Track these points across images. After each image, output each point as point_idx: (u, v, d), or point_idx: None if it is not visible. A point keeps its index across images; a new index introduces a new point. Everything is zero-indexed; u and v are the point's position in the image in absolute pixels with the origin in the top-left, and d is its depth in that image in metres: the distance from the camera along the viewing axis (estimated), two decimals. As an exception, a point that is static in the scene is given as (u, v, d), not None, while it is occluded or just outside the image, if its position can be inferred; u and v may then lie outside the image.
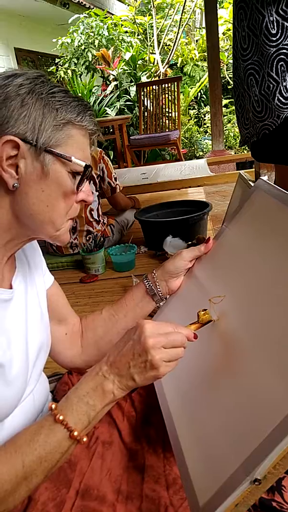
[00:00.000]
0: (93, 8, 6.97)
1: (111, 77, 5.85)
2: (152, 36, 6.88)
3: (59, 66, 6.50)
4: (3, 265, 0.65)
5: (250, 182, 1.60)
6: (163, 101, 5.03)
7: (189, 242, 2.09)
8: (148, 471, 0.70)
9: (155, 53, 6.63)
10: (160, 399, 0.70)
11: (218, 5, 4.72)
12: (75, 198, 0.63)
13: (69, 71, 6.30)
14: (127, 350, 0.59)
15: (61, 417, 0.55)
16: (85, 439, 0.57)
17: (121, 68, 5.82)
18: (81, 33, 6.12)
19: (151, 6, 6.99)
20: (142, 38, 6.98)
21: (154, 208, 2.54)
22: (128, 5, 8.15)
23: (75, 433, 0.55)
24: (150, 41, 6.95)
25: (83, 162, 0.60)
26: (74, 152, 0.59)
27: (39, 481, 0.55)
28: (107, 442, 0.73)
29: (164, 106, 5.03)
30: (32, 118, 0.56)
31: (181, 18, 6.58)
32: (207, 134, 7.05)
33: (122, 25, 6.67)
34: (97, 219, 2.31)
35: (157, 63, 6.47)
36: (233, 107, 7.26)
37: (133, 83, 5.78)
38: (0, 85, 0.56)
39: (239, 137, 1.38)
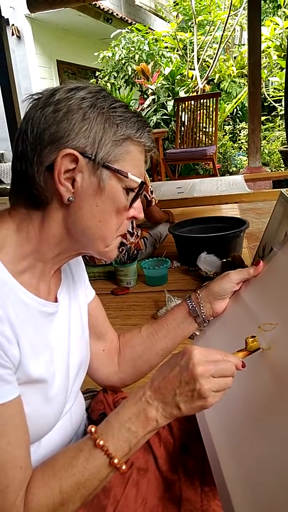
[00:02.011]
0: (135, 23, 7.12)
1: (149, 91, 5.92)
2: (192, 52, 6.93)
3: (99, 79, 6.64)
4: (50, 277, 0.64)
5: (294, 202, 1.55)
6: (200, 116, 5.03)
7: (224, 260, 2.05)
8: (184, 505, 0.66)
9: (193, 69, 6.67)
10: (202, 431, 0.66)
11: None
12: (126, 214, 0.62)
13: (108, 84, 6.42)
14: (173, 376, 0.55)
15: (101, 442, 0.53)
16: (124, 467, 0.54)
17: (160, 83, 5.88)
18: (122, 48, 6.25)
19: (191, 23, 7.07)
20: (181, 54, 7.05)
21: (188, 223, 2.51)
22: (168, 22, 8.28)
23: (115, 461, 0.53)
24: (189, 56, 7.01)
25: (139, 179, 0.59)
26: (130, 169, 0.58)
27: (76, 508, 0.53)
28: (143, 468, 0.70)
29: (200, 121, 5.03)
30: (93, 133, 0.55)
31: (222, 35, 6.61)
32: (241, 150, 6.99)
33: (162, 40, 6.77)
34: (131, 231, 2.30)
35: (196, 78, 6.50)
36: (269, 124, 7.20)
37: (170, 98, 5.82)
38: (63, 98, 0.55)
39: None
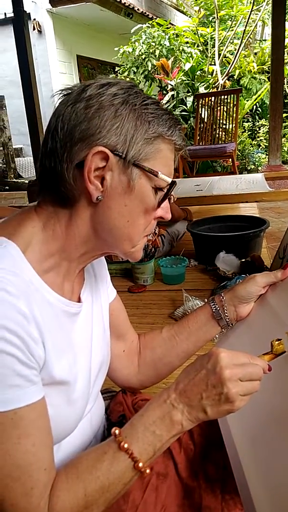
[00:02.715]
0: (155, 18, 7.06)
1: (169, 87, 5.87)
2: (213, 47, 6.85)
3: (118, 74, 6.61)
4: (74, 277, 0.63)
5: None
6: (220, 113, 4.96)
7: (243, 260, 2.01)
8: (205, 513, 0.64)
9: (214, 64, 6.59)
10: (224, 437, 0.65)
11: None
12: (154, 214, 0.60)
13: (127, 80, 6.40)
14: (199, 379, 0.54)
15: (126, 445, 0.52)
16: (148, 470, 0.53)
17: (180, 79, 5.83)
18: (142, 43, 6.21)
19: (213, 18, 6.97)
20: (202, 49, 6.97)
21: (207, 221, 2.48)
22: (190, 16, 8.19)
23: (140, 464, 0.51)
24: (210, 52, 6.92)
25: (169, 179, 0.57)
26: (161, 168, 0.56)
27: None
28: (162, 474, 0.69)
29: (220, 118, 4.97)
30: (125, 130, 0.53)
31: (244, 30, 6.50)
32: (260, 147, 6.89)
33: (183, 35, 6.70)
34: (149, 229, 2.28)
35: (216, 74, 6.42)
36: (291, 122, 7.07)
37: (190, 94, 5.76)
38: (95, 94, 0.53)
39: None
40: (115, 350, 0.79)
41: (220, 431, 0.67)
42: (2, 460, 0.46)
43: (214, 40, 6.80)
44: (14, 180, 6.74)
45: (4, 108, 6.60)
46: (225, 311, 0.78)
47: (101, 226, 0.57)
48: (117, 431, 0.53)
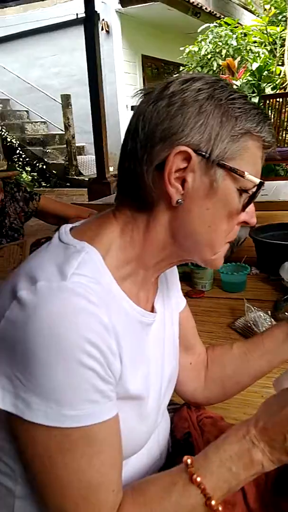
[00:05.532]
0: (223, 17, 6.92)
1: (234, 87, 5.73)
2: (281, 47, 6.58)
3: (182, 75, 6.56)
4: (149, 286, 0.59)
5: None
6: (286, 115, 4.74)
7: (310, 271, 1.89)
8: None
9: (282, 65, 6.33)
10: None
11: None
12: (237, 219, 0.55)
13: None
14: (283, 418, 0.48)
15: (198, 479, 0.47)
16: (220, 508, 0.47)
17: (245, 79, 5.66)
18: (209, 42, 6.11)
19: (282, 17, 6.69)
20: (270, 49, 6.72)
21: (271, 227, 2.36)
22: (258, 15, 7.94)
23: (213, 502, 0.46)
24: (279, 52, 6.66)
25: (257, 179, 0.51)
26: (247, 167, 0.51)
27: None
28: (230, 502, 0.64)
29: (286, 120, 4.75)
30: (209, 127, 0.49)
31: None
32: None
33: (252, 34, 6.50)
34: (210, 233, 2.22)
35: (284, 75, 6.16)
36: None
37: (255, 94, 5.58)
38: (177, 90, 0.49)
39: None
40: (182, 362, 0.75)
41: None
42: (75, 477, 0.44)
43: (283, 39, 6.53)
44: (75, 177, 6.92)
45: (70, 107, 6.80)
46: (307, 331, 0.71)
47: (180, 231, 0.53)
48: (189, 460, 0.49)
